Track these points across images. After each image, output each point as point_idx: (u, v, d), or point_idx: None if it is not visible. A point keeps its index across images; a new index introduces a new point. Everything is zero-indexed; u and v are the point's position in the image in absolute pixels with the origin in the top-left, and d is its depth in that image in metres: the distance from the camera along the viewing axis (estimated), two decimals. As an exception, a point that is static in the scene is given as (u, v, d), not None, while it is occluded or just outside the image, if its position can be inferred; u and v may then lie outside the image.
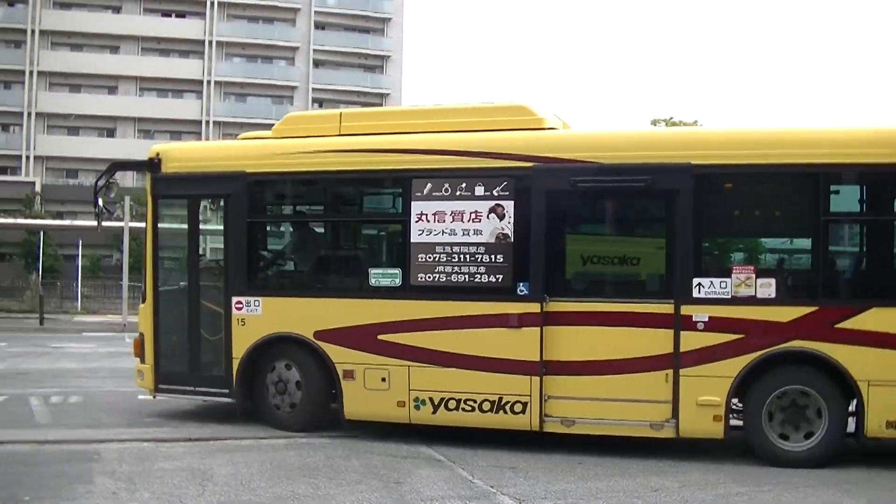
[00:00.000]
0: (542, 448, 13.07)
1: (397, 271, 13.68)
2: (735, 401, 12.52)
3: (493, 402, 13.16)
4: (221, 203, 14.97)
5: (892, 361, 11.78)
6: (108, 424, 14.55)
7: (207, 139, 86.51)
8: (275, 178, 14.70)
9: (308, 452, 12.66)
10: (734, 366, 12.24)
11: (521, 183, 13.14)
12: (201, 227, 15.30)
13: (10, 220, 61.71)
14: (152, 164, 15.62)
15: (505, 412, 13.11)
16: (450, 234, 13.37)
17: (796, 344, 12.10)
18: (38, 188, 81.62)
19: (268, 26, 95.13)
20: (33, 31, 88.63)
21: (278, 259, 15.79)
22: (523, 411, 13.02)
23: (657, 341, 12.47)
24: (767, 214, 13.11)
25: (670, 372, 12.43)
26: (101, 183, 16.46)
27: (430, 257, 13.44)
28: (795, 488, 11.26)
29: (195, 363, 14.87)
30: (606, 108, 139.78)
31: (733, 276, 12.31)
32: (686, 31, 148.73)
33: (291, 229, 15.88)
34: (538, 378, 12.90)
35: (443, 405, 13.41)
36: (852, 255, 12.96)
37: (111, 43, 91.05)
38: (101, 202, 16.58)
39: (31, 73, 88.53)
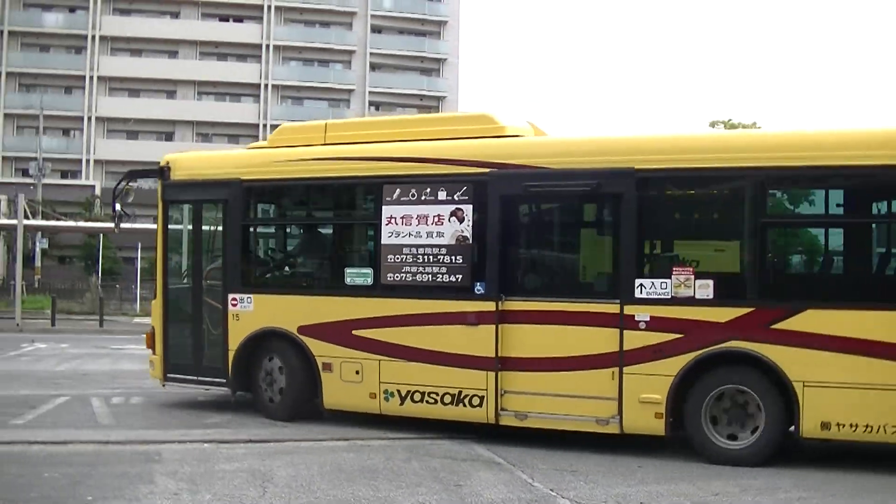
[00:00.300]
0: (601, 450, 13.02)
1: (369, 271, 14.68)
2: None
3: (453, 396, 13.91)
4: (221, 207, 16.25)
5: (828, 363, 11.90)
6: (169, 425, 14.64)
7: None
8: (265, 185, 15.96)
9: (367, 454, 12.67)
10: (674, 365, 12.59)
11: (479, 188, 13.88)
12: (205, 229, 16.66)
13: (71, 223, 62.26)
14: (163, 172, 16.88)
15: (464, 405, 13.86)
16: (415, 237, 14.26)
17: (733, 344, 12.35)
18: (97, 192, 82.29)
19: (324, 30, 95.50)
20: (93, 37, 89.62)
21: (268, 259, 16.94)
22: (480, 405, 13.73)
23: (604, 340, 12.93)
24: (707, 217, 13.61)
25: (616, 370, 12.86)
26: (119, 188, 17.93)
27: (398, 258, 14.34)
28: (870, 494, 11.13)
29: (198, 355, 16.24)
30: (666, 110, 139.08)
31: (673, 277, 12.65)
32: (748, 32, 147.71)
33: (279, 231, 17.14)
34: (494, 373, 13.59)
35: (409, 397, 14.26)
36: (789, 257, 13.33)
37: (169, 48, 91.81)
38: (118, 206, 18.09)
39: (91, 78, 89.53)
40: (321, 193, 16.13)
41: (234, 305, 15.70)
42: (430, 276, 14.15)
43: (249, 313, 15.59)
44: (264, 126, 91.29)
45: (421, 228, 14.21)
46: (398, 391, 14.32)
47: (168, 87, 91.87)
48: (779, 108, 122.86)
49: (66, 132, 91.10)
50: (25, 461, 11.95)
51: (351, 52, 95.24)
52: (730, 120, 26.24)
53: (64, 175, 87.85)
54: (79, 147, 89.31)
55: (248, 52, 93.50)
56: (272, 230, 17.32)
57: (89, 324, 40.50)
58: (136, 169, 18.87)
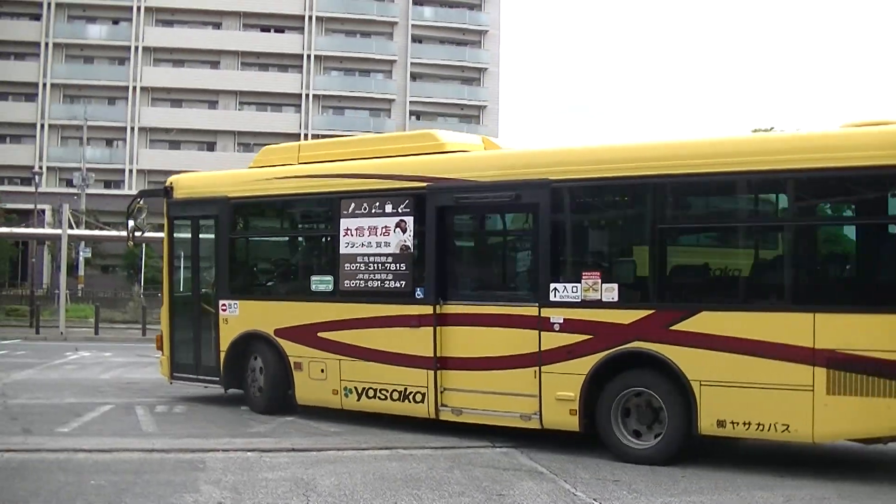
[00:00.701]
0: (644, 461, 13.00)
1: (330, 278, 16.17)
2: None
3: (400, 392, 15.21)
4: (213, 222, 18.09)
5: (721, 363, 12.36)
6: (213, 434, 14.72)
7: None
8: (247, 202, 17.77)
9: (410, 464, 12.69)
10: (585, 364, 13.31)
11: (419, 201, 15.17)
12: (201, 242, 18.55)
13: (114, 233, 62.62)
14: (167, 192, 19.06)
15: (409, 401, 15.11)
16: (367, 247, 15.67)
17: (637, 345, 12.97)
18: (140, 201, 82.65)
19: (365, 40, 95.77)
20: (136, 48, 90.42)
21: (250, 268, 18.71)
22: (423, 401, 14.94)
23: (526, 341, 13.82)
24: (613, 224, 14.41)
25: (536, 369, 13.72)
26: (132, 206, 20.21)
27: (353, 266, 15.80)
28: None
29: (198, 355, 18.19)
30: (709, 116, 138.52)
31: (582, 281, 13.42)
32: (792, 38, 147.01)
33: (259, 243, 19.05)
34: (433, 372, 14.78)
35: (364, 394, 15.70)
36: (685, 261, 13.78)
37: (212, 58, 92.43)
38: (131, 223, 20.40)
39: (134, 88, 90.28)
40: (291, 208, 17.72)
41: (224, 311, 17.58)
42: (379, 282, 15.56)
43: (236, 317, 17.46)
44: (305, 136, 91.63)
45: (371, 239, 15.63)
46: (355, 388, 15.78)
47: (210, 98, 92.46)
48: (826, 113, 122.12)
49: (109, 142, 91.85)
50: (71, 469, 12.04)
51: (392, 62, 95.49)
52: (772, 127, 25.97)
53: (107, 185, 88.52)
54: (122, 157, 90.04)
55: (289, 62, 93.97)
56: (253, 242, 19.01)
57: (132, 332, 40.77)
58: (145, 189, 21.01)
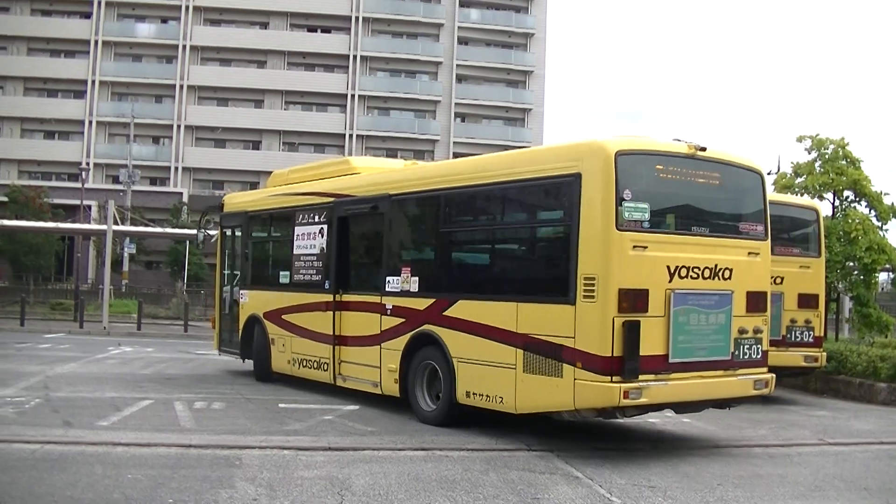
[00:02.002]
0: (680, 465, 12.96)
1: (288, 273, 20.71)
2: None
3: (318, 363, 19.25)
4: (240, 230, 23.22)
5: (468, 343, 15.04)
6: (250, 431, 14.75)
7: (350, 153, 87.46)
8: (254, 214, 22.75)
9: (446, 465, 12.67)
10: (402, 342, 16.62)
11: (330, 212, 19.31)
12: (236, 245, 23.59)
13: (159, 230, 63.09)
14: (220, 207, 24.31)
15: (323, 370, 19.06)
16: (305, 248, 20.03)
17: (426, 327, 16.05)
18: (185, 199, 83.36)
19: (411, 41, 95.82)
20: (184, 47, 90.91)
21: (253, 265, 22.98)
22: (328, 370, 18.85)
23: (376, 323, 17.38)
24: (419, 228, 17.58)
25: (379, 346, 17.29)
26: (200, 220, 26.97)
27: (298, 263, 20.28)
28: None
29: (231, 333, 23.24)
30: (755, 125, 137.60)
31: (401, 275, 16.89)
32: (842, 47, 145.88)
33: (259, 245, 23.22)
34: (332, 347, 18.65)
35: (302, 364, 19.94)
36: (452, 258, 16.53)
37: (258, 58, 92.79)
38: (201, 235, 26.92)
39: (181, 87, 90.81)
40: (272, 219, 22.21)
41: (242, 298, 22.69)
42: (309, 276, 19.90)
43: (247, 304, 22.45)
44: (350, 136, 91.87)
45: (307, 242, 20.00)
46: (298, 359, 20.07)
47: (256, 97, 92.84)
48: (874, 121, 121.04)
49: (155, 140, 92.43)
50: (109, 462, 12.11)
51: (437, 63, 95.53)
52: (817, 135, 25.74)
53: (153, 182, 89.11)
54: (168, 155, 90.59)
55: (335, 62, 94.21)
56: (256, 245, 23.21)
57: (174, 328, 40.96)
58: (211, 205, 25.94)
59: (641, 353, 13.00)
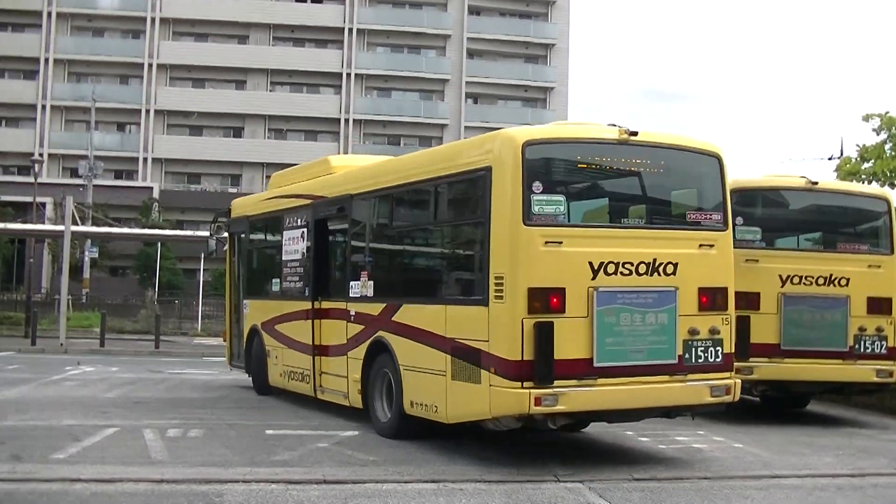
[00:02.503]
0: (735, 500, 12.81)
1: (279, 281, 21.83)
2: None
3: (302, 375, 20.32)
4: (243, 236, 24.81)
5: (411, 349, 15.87)
6: (233, 462, 14.62)
7: (346, 140, 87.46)
8: (251, 220, 24.18)
9: (459, 500, 12.51)
10: (363, 349, 17.48)
11: (308, 216, 20.44)
12: (242, 253, 25.07)
13: (125, 230, 63.00)
14: (228, 212, 25.60)
15: (306, 382, 20.15)
16: (291, 254, 21.21)
17: (379, 334, 16.92)
18: (155, 194, 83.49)
19: (415, 12, 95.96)
20: (153, 20, 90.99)
21: (253, 273, 24.45)
22: (310, 382, 19.93)
23: (344, 331, 18.33)
24: (378, 228, 18.33)
25: (346, 355, 18.29)
26: (211, 227, 27.69)
27: (286, 271, 21.49)
28: None
29: (239, 346, 24.67)
30: (814, 103, 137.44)
31: (361, 279, 17.85)
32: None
33: (256, 252, 24.71)
34: (312, 357, 19.74)
35: (290, 376, 21.10)
36: (398, 259, 17.73)
37: (239, 31, 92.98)
38: (213, 243, 27.19)
39: (150, 65, 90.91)
40: (265, 224, 23.66)
41: (244, 308, 24.06)
42: (294, 283, 21.11)
43: (248, 314, 23.82)
44: (346, 121, 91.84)
45: (292, 248, 21.18)
46: (288, 371, 21.20)
47: (237, 76, 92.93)
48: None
49: (120, 127, 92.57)
50: (67, 501, 11.98)
51: (446, 37, 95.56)
52: (887, 113, 25.61)
53: (118, 175, 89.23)
54: (135, 144, 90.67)
55: (328, 36, 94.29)
56: (254, 252, 24.68)
57: (143, 344, 40.90)
58: (220, 210, 26.86)
59: (558, 357, 13.52)
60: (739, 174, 19.32)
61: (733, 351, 15.04)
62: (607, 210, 14.94)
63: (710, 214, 15.08)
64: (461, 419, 14.86)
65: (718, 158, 15.29)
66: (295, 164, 24.55)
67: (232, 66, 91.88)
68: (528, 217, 13.63)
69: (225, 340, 26.18)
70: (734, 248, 15.36)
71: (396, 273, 17.65)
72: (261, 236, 24.25)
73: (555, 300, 13.64)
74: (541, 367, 13.40)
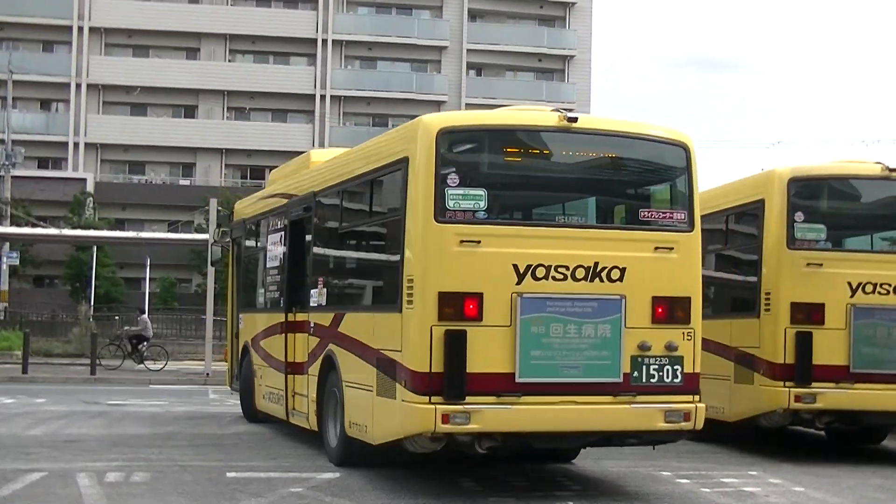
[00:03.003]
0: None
1: (262, 291, 23.00)
2: None
3: (277, 396, 21.10)
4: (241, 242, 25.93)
5: (353, 363, 16.65)
6: (185, 513, 14.69)
7: (323, 119, 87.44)
8: (244, 223, 25.15)
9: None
10: (317, 365, 18.41)
11: (284, 217, 21.37)
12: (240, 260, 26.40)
13: (52, 231, 62.84)
14: (230, 216, 27.06)
15: (279, 404, 20.95)
16: (272, 261, 22.26)
17: (329, 347, 17.80)
18: (89, 187, 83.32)
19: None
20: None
21: (245, 283, 25.54)
22: (281, 403, 20.72)
23: (305, 345, 19.29)
24: (320, 232, 19.31)
25: (307, 373, 19.08)
26: (216, 234, 28.98)
27: (268, 279, 22.50)
28: None
29: (237, 366, 25.52)
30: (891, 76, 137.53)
31: (317, 287, 18.76)
32: None
33: (246, 260, 25.66)
34: (285, 376, 20.46)
35: (269, 397, 21.98)
36: (339, 265, 18.86)
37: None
38: (217, 251, 28.32)
39: (80, 29, 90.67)
40: (252, 228, 24.62)
41: (240, 324, 25.08)
42: (272, 293, 22.19)
43: (242, 329, 24.86)
44: (322, 98, 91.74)
45: (273, 253, 22.23)
46: (267, 392, 22.13)
47: (189, 43, 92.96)
48: None
49: (45, 105, 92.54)
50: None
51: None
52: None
53: (43, 164, 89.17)
54: (63, 125, 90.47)
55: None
56: (245, 259, 25.63)
57: (77, 370, 40.93)
58: (223, 215, 28.28)
59: (473, 370, 14.02)
60: (801, 160, 19.45)
61: (696, 371, 15.25)
62: (540, 206, 15.82)
63: (671, 213, 15.43)
64: (383, 440, 15.40)
65: (685, 149, 15.62)
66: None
67: (182, 31, 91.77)
68: (442, 213, 14.19)
69: (226, 360, 27.37)
70: (792, 249, 15.94)
71: (340, 279, 18.97)
72: (252, 242, 25.15)
73: (470, 306, 14.13)
74: (451, 380, 13.89)
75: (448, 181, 14.17)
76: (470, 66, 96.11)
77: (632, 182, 16.05)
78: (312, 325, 18.87)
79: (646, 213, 15.30)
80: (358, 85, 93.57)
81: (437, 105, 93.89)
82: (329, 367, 17.76)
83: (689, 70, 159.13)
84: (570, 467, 16.69)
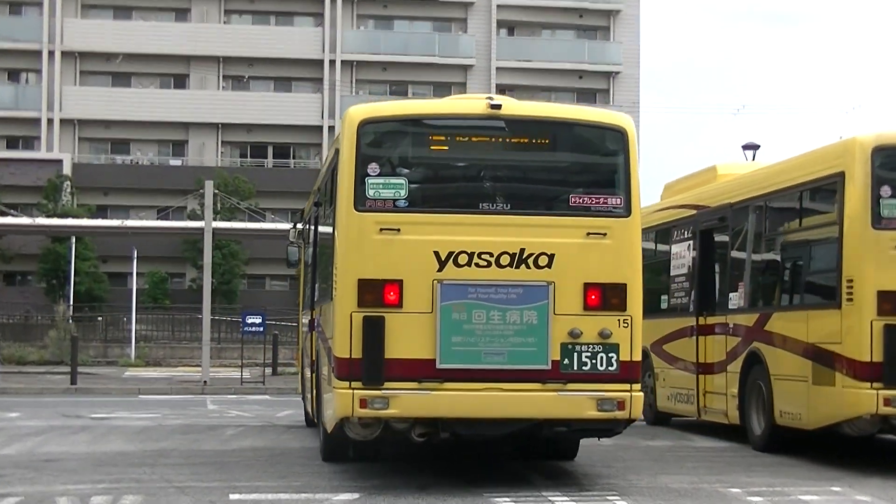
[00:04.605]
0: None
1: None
2: None
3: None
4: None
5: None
6: (184, 542, 14.68)
7: (333, 87, 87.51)
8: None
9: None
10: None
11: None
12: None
13: (24, 221, 62.78)
14: (302, 213, 28.60)
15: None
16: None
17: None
18: (66, 169, 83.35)
19: None
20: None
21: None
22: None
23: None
24: None
25: None
26: (293, 231, 27.98)
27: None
28: None
29: None
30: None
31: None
32: None
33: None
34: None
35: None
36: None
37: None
38: (290, 257, 27.54)
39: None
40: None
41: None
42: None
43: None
44: (331, 63, 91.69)
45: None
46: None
47: (178, 3, 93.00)
48: None
49: (13, 75, 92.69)
50: None
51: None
52: None
53: (12, 144, 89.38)
54: (35, 99, 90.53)
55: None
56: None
57: (54, 379, 40.99)
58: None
59: (392, 356, 16.06)
60: (885, 126, 19.63)
61: (635, 359, 16.66)
62: (464, 195, 17.39)
63: (605, 198, 16.92)
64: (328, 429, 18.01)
65: (622, 132, 17.13)
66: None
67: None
68: (362, 202, 16.35)
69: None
70: (878, 229, 17.48)
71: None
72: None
73: (390, 293, 16.13)
74: (369, 366, 15.94)
75: (369, 170, 16.29)
76: (500, 24, 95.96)
77: (561, 168, 17.79)
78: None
79: (576, 198, 16.84)
80: (372, 48, 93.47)
81: (464, 70, 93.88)
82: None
83: (752, 23, 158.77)
84: (625, 484, 16.64)
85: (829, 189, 19.99)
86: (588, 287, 16.40)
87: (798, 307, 20.85)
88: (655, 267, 27.17)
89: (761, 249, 22.54)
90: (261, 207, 65.89)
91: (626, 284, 16.60)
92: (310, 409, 23.16)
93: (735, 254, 23.70)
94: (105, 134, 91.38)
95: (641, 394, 16.83)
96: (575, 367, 16.23)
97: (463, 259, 16.11)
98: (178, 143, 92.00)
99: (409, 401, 15.85)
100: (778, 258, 21.98)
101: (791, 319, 20.68)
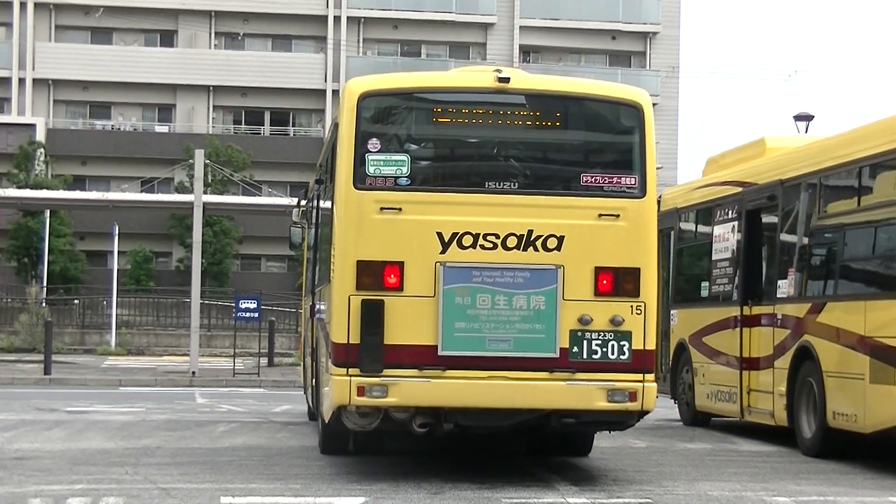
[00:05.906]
0: None
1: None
2: None
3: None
4: None
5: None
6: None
7: (338, 46, 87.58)
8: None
9: None
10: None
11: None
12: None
13: (-4, 192, 62.88)
14: (305, 190, 27.67)
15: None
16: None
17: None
18: (39, 135, 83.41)
19: None
20: None
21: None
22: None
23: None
24: None
25: None
26: (295, 209, 28.53)
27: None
28: None
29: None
30: None
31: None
32: None
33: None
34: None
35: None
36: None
37: None
38: (293, 238, 28.77)
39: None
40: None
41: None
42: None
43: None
44: (336, 19, 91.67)
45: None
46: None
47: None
48: None
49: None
50: None
51: None
52: None
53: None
54: (5, 56, 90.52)
55: None
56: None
57: (26, 368, 41.09)
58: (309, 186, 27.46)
59: (392, 342, 16.65)
60: None
61: (648, 348, 17.16)
62: (470, 173, 17.91)
63: (619, 178, 17.36)
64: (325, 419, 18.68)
65: (637, 108, 17.51)
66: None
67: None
68: (362, 179, 16.89)
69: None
70: None
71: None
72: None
73: (391, 276, 16.68)
74: (367, 352, 16.51)
75: (369, 146, 16.74)
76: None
77: (573, 146, 18.21)
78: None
79: (588, 178, 17.36)
80: (382, 3, 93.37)
81: (484, 29, 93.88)
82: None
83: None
84: (660, 491, 16.74)
85: (894, 165, 19.89)
86: (599, 271, 16.81)
87: (855, 296, 20.73)
88: (695, 250, 28.30)
89: (815, 232, 22.36)
90: (256, 180, 66.06)
91: (639, 269, 16.97)
92: (310, 401, 23.72)
93: (785, 236, 23.76)
94: (83, 96, 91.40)
95: (654, 385, 17.27)
96: (584, 356, 16.70)
97: (467, 240, 16.53)
98: (164, 108, 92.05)
99: (409, 389, 16.34)
100: (834, 242, 21.81)
101: (847, 310, 20.45)
